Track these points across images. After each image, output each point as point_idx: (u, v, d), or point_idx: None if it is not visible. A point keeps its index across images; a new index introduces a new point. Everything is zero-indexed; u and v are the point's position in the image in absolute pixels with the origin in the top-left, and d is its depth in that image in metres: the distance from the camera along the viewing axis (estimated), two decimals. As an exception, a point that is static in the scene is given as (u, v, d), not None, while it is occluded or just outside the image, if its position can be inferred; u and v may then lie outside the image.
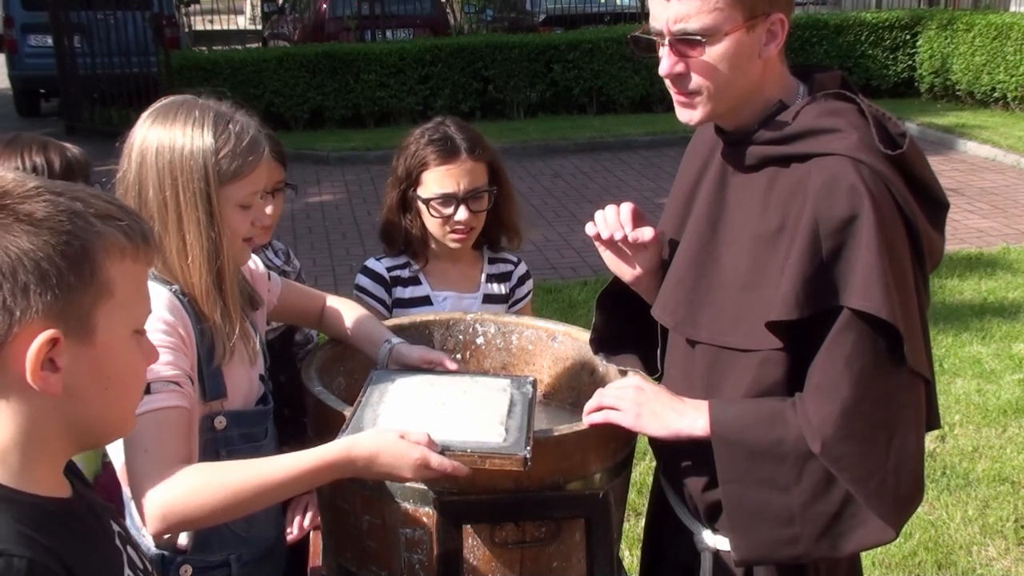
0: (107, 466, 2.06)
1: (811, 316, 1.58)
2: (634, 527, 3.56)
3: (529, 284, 2.60)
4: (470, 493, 1.69)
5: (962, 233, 7.53)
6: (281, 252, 2.54)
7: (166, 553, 1.79)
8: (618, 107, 12.96)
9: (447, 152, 2.35)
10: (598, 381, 2.07)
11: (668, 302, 1.79)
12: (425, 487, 1.69)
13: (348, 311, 2.12)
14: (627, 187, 9.42)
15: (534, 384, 1.92)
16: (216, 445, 1.76)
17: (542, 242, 7.54)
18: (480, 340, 2.26)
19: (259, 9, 25.29)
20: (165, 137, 1.69)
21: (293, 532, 2.26)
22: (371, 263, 2.50)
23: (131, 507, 1.74)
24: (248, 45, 15.48)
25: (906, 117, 10.82)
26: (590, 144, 11.25)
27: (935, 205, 1.68)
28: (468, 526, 1.71)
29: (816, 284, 1.57)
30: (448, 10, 17.20)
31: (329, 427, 1.72)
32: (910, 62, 13.41)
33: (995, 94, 12.04)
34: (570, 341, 2.20)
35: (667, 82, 1.68)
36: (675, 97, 1.70)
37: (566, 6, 14.54)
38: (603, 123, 12.24)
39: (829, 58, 12.87)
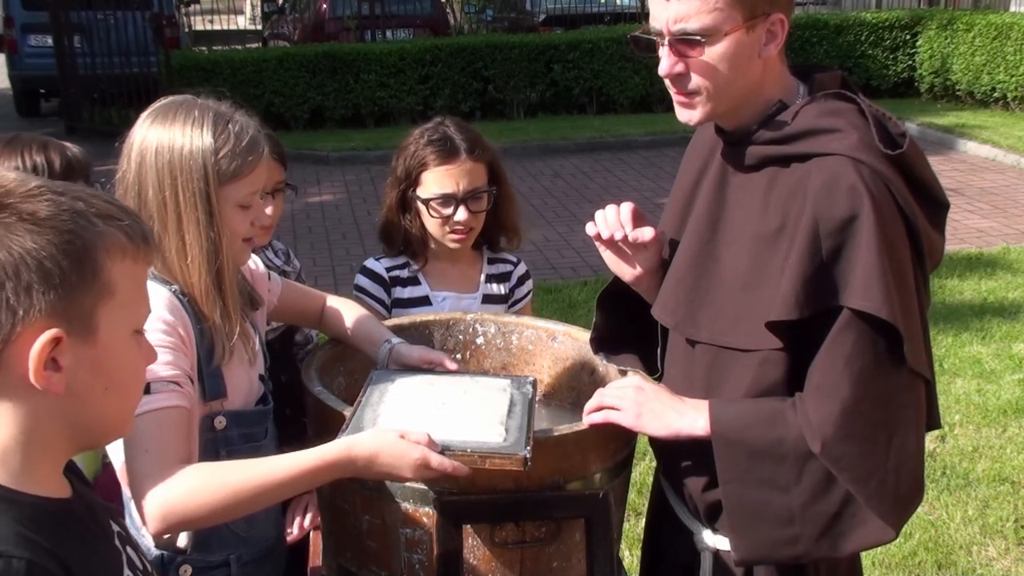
0: (107, 467, 2.06)
1: (811, 316, 1.58)
2: (634, 527, 3.56)
3: (529, 284, 2.60)
4: (470, 493, 1.69)
5: (962, 233, 7.53)
6: (281, 252, 2.54)
7: (166, 553, 1.79)
8: (618, 107, 12.96)
9: (446, 152, 2.35)
10: (598, 381, 2.06)
11: (668, 302, 1.79)
12: (425, 487, 1.69)
13: (348, 311, 2.12)
14: (627, 187, 9.42)
15: (534, 384, 1.92)
16: (216, 445, 1.76)
17: (542, 242, 7.54)
18: (480, 340, 2.26)
19: (259, 9, 25.29)
20: (165, 137, 1.69)
21: (293, 532, 2.26)
22: (370, 263, 2.50)
23: (131, 507, 1.74)
24: (248, 45, 15.49)
25: (906, 117, 10.82)
26: (590, 144, 11.25)
27: (935, 205, 1.68)
28: (468, 526, 1.71)
29: (816, 284, 1.57)
30: (448, 10, 17.20)
31: (329, 427, 1.72)
32: (910, 62, 13.41)
33: (995, 94, 12.04)
34: (570, 341, 2.20)
35: (667, 82, 1.68)
36: (675, 97, 1.69)
37: (566, 6, 14.55)
38: (603, 123, 12.24)
39: (829, 58, 12.87)
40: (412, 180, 2.39)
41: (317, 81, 12.19)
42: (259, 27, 23.45)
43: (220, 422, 1.77)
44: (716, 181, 1.77)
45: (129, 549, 1.24)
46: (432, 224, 2.39)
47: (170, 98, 1.76)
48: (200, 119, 1.70)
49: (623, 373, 1.96)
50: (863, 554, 1.89)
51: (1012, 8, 14.44)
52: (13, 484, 1.09)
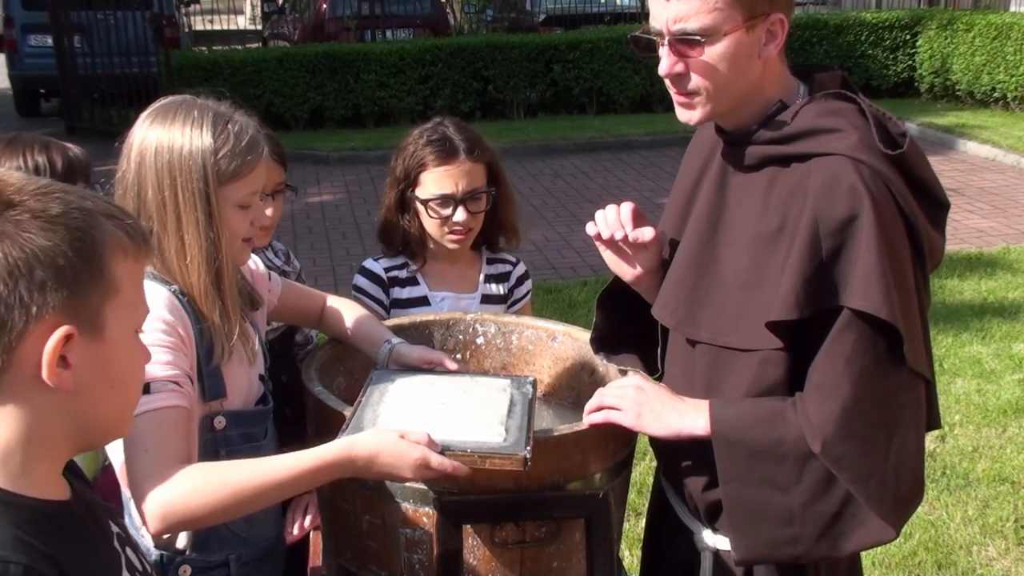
0: (106, 469, 2.06)
1: (811, 316, 1.58)
2: (634, 527, 3.56)
3: (528, 284, 2.59)
4: (470, 493, 1.69)
5: (962, 233, 7.53)
6: (281, 253, 2.54)
7: (165, 553, 1.79)
8: (618, 107, 12.96)
9: (445, 153, 2.35)
10: (598, 381, 2.06)
11: (668, 302, 1.79)
12: (425, 487, 1.69)
13: (348, 311, 2.12)
14: (627, 187, 9.42)
15: (534, 384, 1.92)
16: (216, 445, 1.76)
17: (542, 242, 7.54)
18: (480, 340, 2.26)
19: (259, 9, 25.29)
20: (164, 137, 1.69)
21: (293, 532, 2.25)
22: (369, 264, 2.50)
23: (130, 507, 1.74)
24: (248, 45, 15.48)
25: (906, 117, 10.82)
26: (590, 144, 11.25)
27: (936, 205, 1.68)
28: (468, 526, 1.71)
29: (816, 284, 1.57)
30: (448, 10, 17.20)
31: (329, 427, 1.72)
32: (910, 62, 13.41)
33: (995, 94, 12.04)
34: (570, 341, 2.20)
35: (667, 82, 1.68)
36: (675, 97, 1.69)
37: (566, 6, 14.54)
38: (603, 123, 12.24)
39: (829, 58, 12.87)
40: (411, 180, 2.38)
41: (317, 81, 12.19)
42: (259, 27, 23.45)
43: (220, 422, 1.76)
44: (716, 181, 1.77)
45: (128, 550, 1.23)
46: (431, 224, 2.39)
47: (170, 98, 1.76)
48: (200, 119, 1.70)
49: (623, 373, 1.96)
50: (863, 554, 1.89)
51: (1012, 8, 14.44)
52: (12, 486, 1.09)
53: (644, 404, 1.72)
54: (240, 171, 1.72)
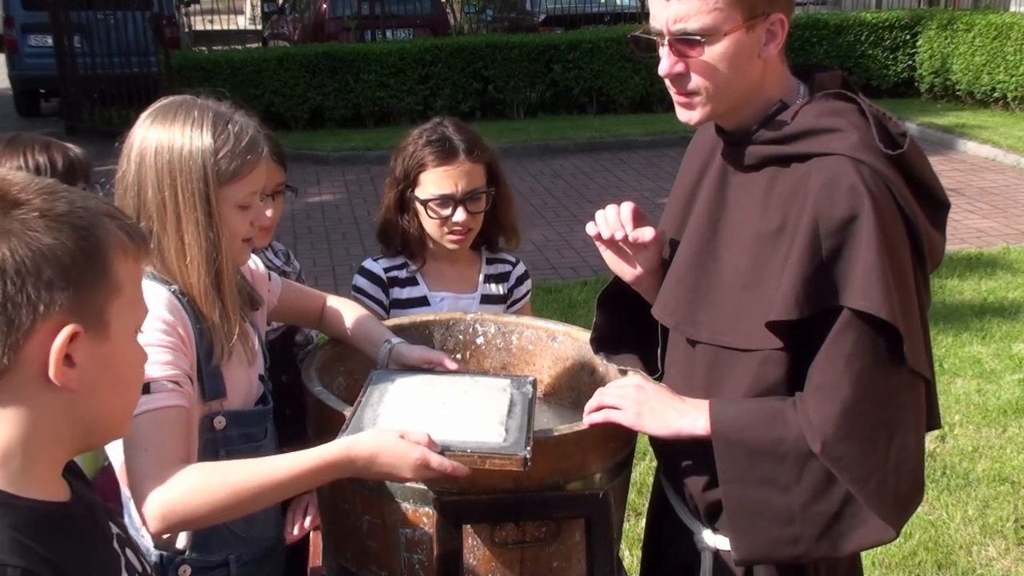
0: (105, 469, 2.05)
1: (811, 316, 1.57)
2: (634, 527, 3.56)
3: (527, 284, 2.59)
4: (470, 493, 1.69)
5: (962, 233, 7.53)
6: (281, 253, 2.54)
7: (165, 553, 1.79)
8: (618, 107, 12.96)
9: (445, 153, 2.34)
10: (598, 381, 2.06)
11: (668, 302, 1.79)
12: (425, 487, 1.69)
13: (348, 311, 2.12)
14: (627, 187, 9.42)
15: (534, 384, 1.92)
16: (215, 445, 1.76)
17: (542, 242, 7.54)
18: (480, 340, 2.26)
19: (259, 9, 25.30)
20: (164, 137, 1.69)
21: (293, 533, 2.25)
22: (368, 264, 2.50)
23: (130, 507, 1.74)
24: (248, 45, 15.48)
25: (906, 117, 10.82)
26: (590, 144, 11.25)
27: (936, 205, 1.68)
28: (468, 526, 1.71)
29: (816, 284, 1.57)
30: (448, 10, 17.19)
31: (329, 427, 1.72)
32: (910, 62, 13.41)
33: (995, 94, 12.04)
34: (570, 341, 2.20)
35: (667, 82, 1.68)
36: (675, 97, 1.69)
37: (566, 6, 14.54)
38: (603, 123, 12.24)
39: (829, 58, 12.87)
40: (410, 181, 2.38)
41: (317, 81, 12.19)
42: (259, 27, 23.45)
43: (219, 422, 1.76)
44: (716, 181, 1.77)
45: (128, 551, 1.23)
46: (430, 225, 2.39)
47: (170, 98, 1.76)
48: (200, 119, 1.70)
49: (623, 373, 1.96)
50: (863, 554, 1.89)
51: (1012, 8, 14.44)
52: (12, 488, 1.09)
53: (644, 403, 1.72)
54: (240, 171, 1.72)
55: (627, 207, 1.83)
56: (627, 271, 1.89)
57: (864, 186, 1.55)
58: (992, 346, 5.42)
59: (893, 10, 14.20)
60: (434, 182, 2.35)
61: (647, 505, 2.16)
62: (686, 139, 2.01)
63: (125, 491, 1.75)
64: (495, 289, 2.52)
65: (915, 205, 1.62)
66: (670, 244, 1.87)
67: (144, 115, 1.74)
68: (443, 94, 12.44)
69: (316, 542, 2.14)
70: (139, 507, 1.54)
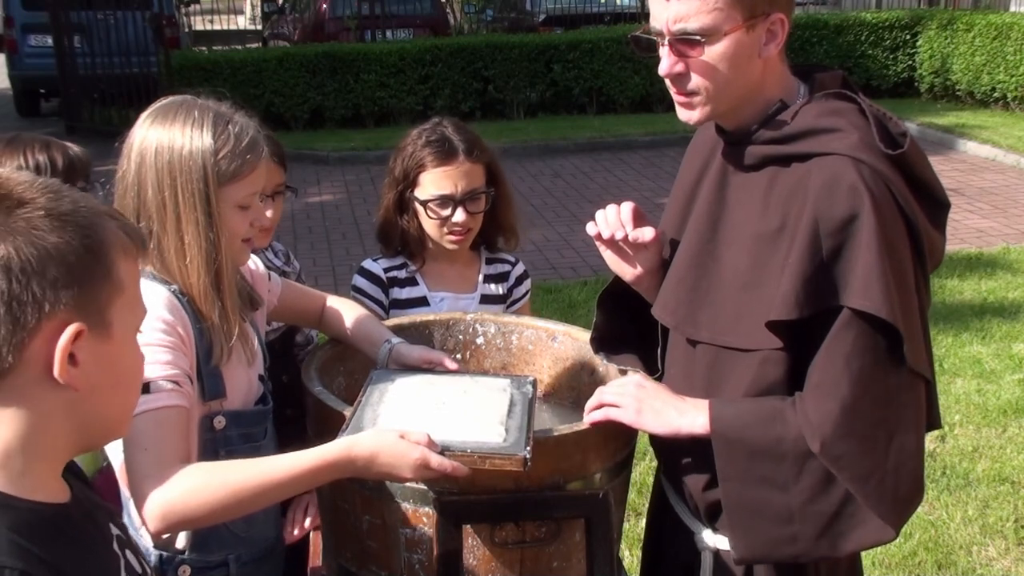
0: (104, 469, 2.05)
1: (811, 316, 1.57)
2: (634, 527, 3.56)
3: (527, 284, 2.59)
4: (470, 493, 1.69)
5: (962, 233, 7.53)
6: (281, 253, 2.54)
7: (164, 553, 1.79)
8: (618, 107, 12.96)
9: (444, 153, 2.34)
10: (598, 381, 2.06)
11: (669, 301, 1.79)
12: (425, 487, 1.69)
13: (348, 311, 2.12)
14: (627, 187, 9.42)
15: (534, 384, 1.92)
16: (215, 445, 1.76)
17: (542, 242, 7.54)
18: (480, 340, 2.26)
19: (259, 9, 25.30)
20: (164, 137, 1.69)
21: (293, 533, 2.25)
22: (368, 264, 2.50)
23: (129, 507, 1.74)
24: (248, 45, 15.48)
25: (906, 117, 10.82)
26: (590, 144, 11.25)
27: (936, 205, 1.68)
28: (468, 526, 1.71)
29: (816, 284, 1.57)
30: (448, 10, 17.19)
31: (329, 427, 1.72)
32: (910, 62, 13.41)
33: (995, 94, 12.04)
34: (570, 341, 2.20)
35: (667, 82, 1.68)
36: (675, 97, 1.70)
37: (566, 6, 14.54)
38: (603, 123, 12.24)
39: (829, 58, 12.87)
40: (410, 181, 2.38)
41: (317, 81, 12.19)
42: (259, 27, 23.45)
43: (219, 422, 1.76)
44: (716, 181, 1.77)
45: (128, 553, 1.23)
46: (430, 225, 2.39)
47: (170, 98, 1.77)
48: (200, 119, 1.70)
49: (623, 373, 1.96)
50: (863, 554, 1.89)
51: (1012, 8, 14.44)
52: (11, 489, 1.09)
53: (644, 401, 1.72)
54: (240, 172, 1.72)
55: (627, 207, 1.83)
56: (627, 271, 1.89)
57: (864, 186, 1.55)
58: (992, 346, 5.42)
59: (893, 10, 14.20)
60: (433, 182, 2.35)
61: (647, 505, 2.16)
62: (686, 139, 2.01)
63: (125, 491, 1.75)
64: (495, 289, 2.52)
65: (915, 205, 1.62)
66: (670, 244, 1.87)
67: (144, 115, 1.74)
68: (443, 94, 12.44)
69: (316, 542, 2.14)
70: (139, 507, 1.54)
